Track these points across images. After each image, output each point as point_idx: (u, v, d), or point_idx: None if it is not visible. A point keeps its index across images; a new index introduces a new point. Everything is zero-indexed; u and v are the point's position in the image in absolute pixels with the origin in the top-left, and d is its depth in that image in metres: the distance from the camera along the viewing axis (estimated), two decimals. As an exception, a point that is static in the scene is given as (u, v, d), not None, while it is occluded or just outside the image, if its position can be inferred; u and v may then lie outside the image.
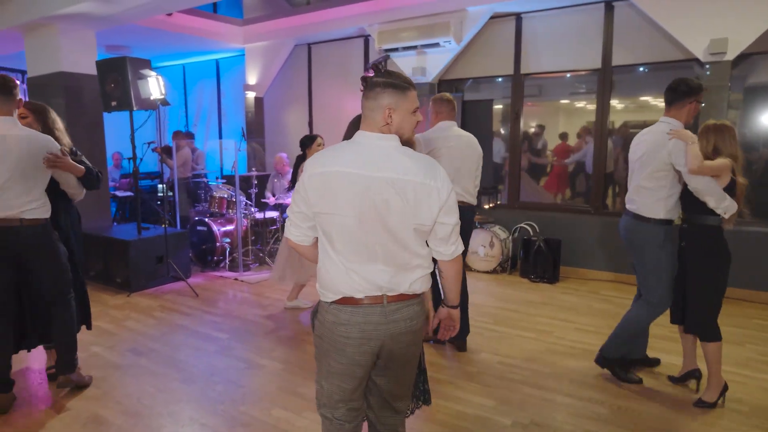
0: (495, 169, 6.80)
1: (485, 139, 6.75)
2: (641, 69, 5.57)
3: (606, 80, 5.66)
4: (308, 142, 4.66)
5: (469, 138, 3.94)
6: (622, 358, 3.39)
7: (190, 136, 7.79)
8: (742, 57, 4.94)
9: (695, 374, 3.26)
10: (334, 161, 1.68)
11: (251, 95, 7.98)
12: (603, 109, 5.74)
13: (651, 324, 3.34)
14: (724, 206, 2.87)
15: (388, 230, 1.67)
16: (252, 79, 7.91)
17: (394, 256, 1.71)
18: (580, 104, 7.02)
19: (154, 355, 3.77)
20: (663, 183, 3.06)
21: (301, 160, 4.71)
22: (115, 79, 4.88)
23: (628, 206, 3.27)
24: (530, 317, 4.59)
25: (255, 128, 8.14)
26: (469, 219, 3.87)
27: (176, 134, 7.33)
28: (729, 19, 4.64)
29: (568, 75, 6.06)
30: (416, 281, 1.75)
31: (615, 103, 6.80)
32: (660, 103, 5.63)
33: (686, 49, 4.93)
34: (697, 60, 4.94)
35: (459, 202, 3.74)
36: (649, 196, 3.12)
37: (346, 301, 1.74)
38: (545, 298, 5.18)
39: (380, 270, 1.71)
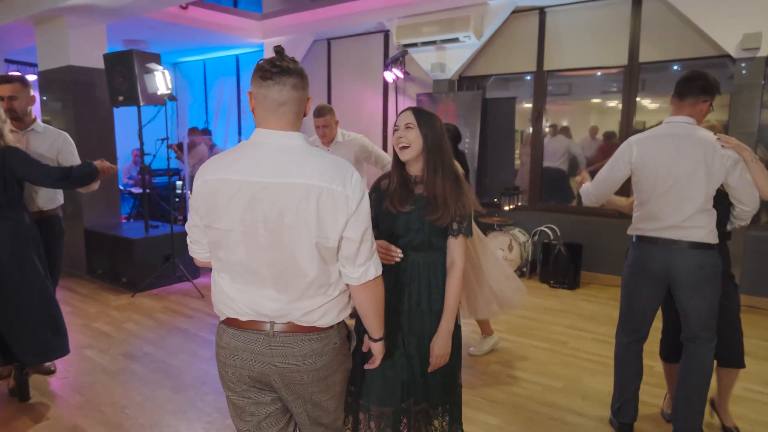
0: (517, 170, 6.57)
1: (507, 137, 6.54)
2: (675, 67, 5.25)
3: (633, 77, 5.37)
4: None
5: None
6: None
7: (206, 132, 7.74)
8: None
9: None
10: (226, 167, 1.41)
11: (269, 91, 7.88)
12: (629, 107, 5.45)
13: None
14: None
15: (281, 248, 1.39)
16: (269, 75, 7.81)
17: (286, 281, 1.42)
18: (612, 103, 6.73)
19: (148, 360, 3.68)
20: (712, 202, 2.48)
21: None
22: (122, 73, 4.82)
23: (681, 236, 2.47)
24: (546, 326, 4.36)
25: (272, 125, 8.04)
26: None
27: (192, 131, 7.29)
28: (763, 12, 4.32)
29: (599, 73, 5.77)
30: (314, 311, 1.45)
31: (647, 102, 6.50)
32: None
33: (717, 44, 4.62)
34: (729, 56, 4.62)
35: None
36: (711, 220, 2.47)
37: (231, 322, 1.50)
38: (564, 305, 4.94)
39: (268, 296, 1.44)
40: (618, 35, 5.39)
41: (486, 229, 5.93)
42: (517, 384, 3.31)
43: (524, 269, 5.84)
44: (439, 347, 1.91)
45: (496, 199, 6.40)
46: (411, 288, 1.94)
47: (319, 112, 3.83)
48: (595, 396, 3.16)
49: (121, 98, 4.96)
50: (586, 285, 5.55)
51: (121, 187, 8.19)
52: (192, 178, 6.85)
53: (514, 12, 5.86)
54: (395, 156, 1.95)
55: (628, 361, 2.86)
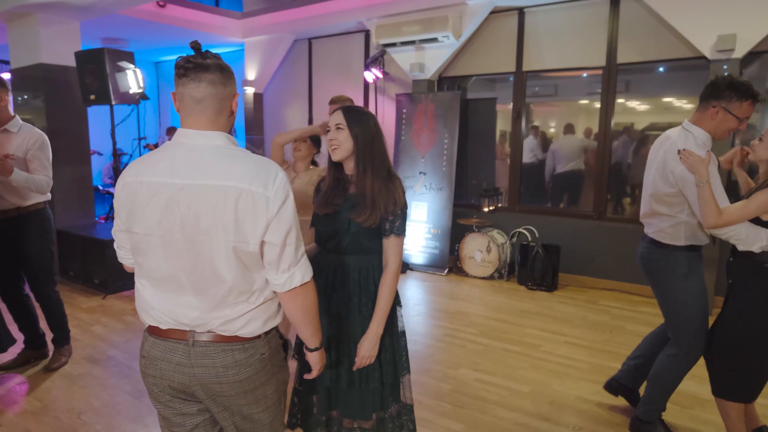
0: (497, 170, 6.54)
1: (488, 138, 6.51)
2: (660, 69, 5.24)
3: (611, 78, 5.35)
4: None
5: None
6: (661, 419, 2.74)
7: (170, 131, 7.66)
8: (753, 55, 4.60)
9: None
10: (146, 169, 1.36)
11: (250, 91, 7.83)
12: (607, 109, 5.44)
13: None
14: (760, 245, 2.22)
15: (198, 253, 1.33)
16: (251, 74, 7.75)
17: (205, 287, 1.36)
18: (598, 104, 6.72)
19: (111, 364, 3.60)
20: (679, 208, 2.46)
21: None
22: (94, 71, 4.75)
23: (645, 229, 2.67)
24: (520, 329, 4.33)
25: (254, 125, 7.98)
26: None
27: (170, 130, 7.21)
28: (737, 14, 4.32)
29: (585, 74, 5.74)
30: (236, 320, 1.38)
31: (636, 104, 6.49)
32: (682, 105, 5.33)
33: (693, 46, 4.61)
34: (705, 58, 4.61)
35: None
36: (666, 220, 2.51)
37: (152, 330, 1.44)
38: (540, 307, 4.92)
39: (188, 304, 1.37)
40: (596, 36, 5.37)
41: (465, 230, 5.91)
42: (485, 388, 3.28)
43: (503, 271, 5.82)
44: (366, 348, 1.84)
45: (473, 201, 6.38)
46: (341, 292, 1.89)
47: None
48: (562, 401, 3.13)
49: (92, 97, 4.88)
50: (564, 287, 5.53)
51: (101, 187, 8.10)
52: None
53: (492, 12, 5.83)
54: (329, 156, 1.92)
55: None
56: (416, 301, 5.18)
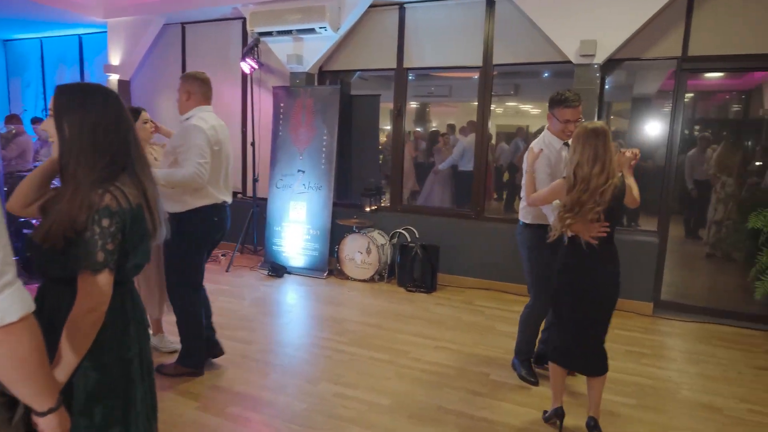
0: (380, 169, 6.40)
1: (372, 136, 6.34)
2: (545, 74, 5.33)
3: (487, 79, 5.36)
4: (134, 119, 3.83)
5: (225, 125, 3.38)
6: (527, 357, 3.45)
7: (35, 121, 6.76)
8: (614, 62, 4.80)
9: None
10: None
11: (114, 78, 7.07)
12: (484, 109, 5.45)
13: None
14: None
15: None
16: (115, 59, 7.00)
17: None
18: (491, 106, 6.82)
19: None
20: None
21: None
22: None
23: None
24: (391, 334, 4.18)
25: (120, 115, 7.21)
26: (225, 220, 3.34)
27: (9, 118, 6.30)
28: (598, 20, 4.47)
29: (475, 77, 5.70)
30: None
31: (529, 107, 6.64)
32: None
33: (561, 50, 4.71)
34: (571, 62, 4.72)
35: (226, 203, 3.24)
36: (522, 202, 3.25)
37: None
38: (417, 309, 4.80)
39: None
40: (473, 36, 5.36)
41: (344, 231, 5.69)
42: (343, 404, 3.05)
43: (383, 273, 5.67)
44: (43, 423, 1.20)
45: (355, 200, 6.18)
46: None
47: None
48: (422, 413, 2.98)
49: None
50: (443, 288, 5.49)
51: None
52: (9, 174, 5.91)
53: (373, 6, 5.65)
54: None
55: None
56: (289, 307, 4.87)
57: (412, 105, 8.83)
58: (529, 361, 3.45)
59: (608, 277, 2.68)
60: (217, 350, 3.47)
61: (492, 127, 7.42)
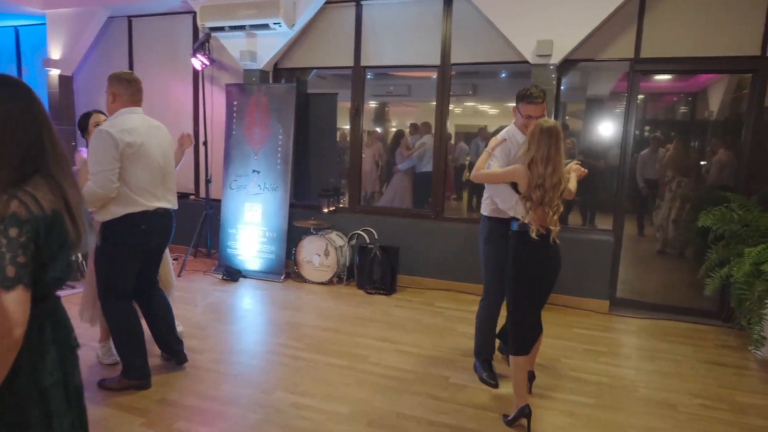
0: (339, 169, 6.27)
1: (329, 134, 6.21)
2: (503, 74, 5.32)
3: (445, 78, 5.32)
4: (84, 123, 3.55)
5: (162, 127, 3.23)
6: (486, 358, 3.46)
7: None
8: (570, 63, 4.84)
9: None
10: None
11: (55, 73, 6.68)
12: (442, 108, 5.40)
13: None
14: (510, 207, 2.91)
15: None
16: (56, 53, 6.61)
17: None
18: (449, 106, 6.78)
19: None
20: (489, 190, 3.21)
21: None
22: None
23: None
24: (350, 338, 4.07)
25: (62, 113, 6.83)
26: (168, 228, 3.22)
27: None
28: (554, 20, 4.50)
29: (434, 76, 5.63)
30: None
31: (487, 107, 6.63)
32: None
33: (518, 49, 4.71)
34: (528, 62, 4.73)
35: (162, 210, 3.06)
36: (484, 194, 3.29)
37: None
38: (376, 312, 4.71)
39: None
40: (431, 34, 5.31)
41: (302, 233, 5.54)
42: (299, 414, 2.92)
43: (342, 275, 5.55)
44: None
45: (313, 201, 6.04)
46: None
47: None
48: (381, 421, 2.89)
49: None
50: (403, 289, 5.41)
51: None
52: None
53: (329, 2, 5.53)
54: None
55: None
56: (244, 313, 4.69)
57: (371, 104, 8.77)
58: (490, 363, 3.44)
59: (556, 263, 2.88)
60: (180, 359, 3.38)
61: (451, 127, 7.44)
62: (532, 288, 2.85)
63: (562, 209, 2.74)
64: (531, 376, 3.17)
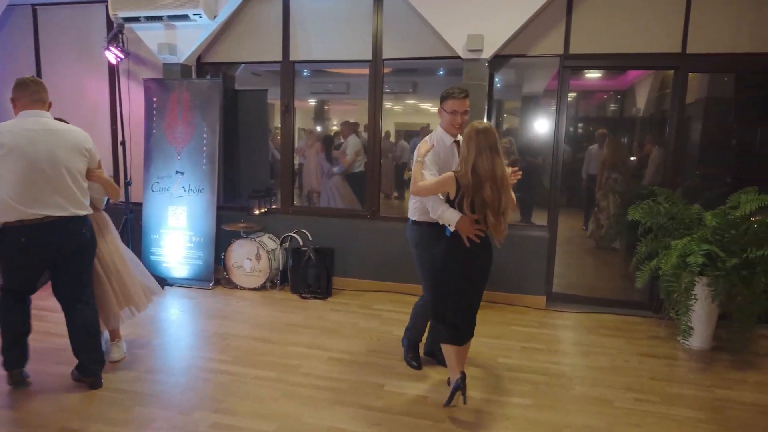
0: (271, 169, 6.00)
1: (260, 133, 5.92)
2: (440, 72, 5.21)
3: (378, 74, 5.17)
4: None
5: (63, 132, 2.97)
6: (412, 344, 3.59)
7: None
8: (502, 59, 4.80)
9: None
10: None
11: (-52, 66, 6.03)
12: (375, 104, 5.24)
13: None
14: (438, 216, 2.89)
15: None
16: (-51, 45, 5.97)
17: None
18: (388, 104, 6.61)
19: None
20: None
21: None
22: None
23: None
24: (281, 348, 3.83)
25: (-42, 111, 6.17)
26: (65, 237, 2.97)
27: None
28: (486, 14, 4.42)
29: (367, 74, 5.44)
30: None
31: (428, 106, 6.52)
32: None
33: (449, 44, 4.62)
34: (460, 57, 4.65)
35: (54, 217, 2.82)
36: (412, 199, 3.22)
37: None
38: (310, 318, 4.49)
39: None
40: (362, 29, 5.14)
41: (231, 236, 5.24)
42: (219, 436, 2.68)
43: (275, 280, 5.29)
44: None
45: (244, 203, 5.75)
46: None
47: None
48: (308, 437, 2.69)
49: None
50: (339, 292, 5.22)
51: None
52: None
53: (255, -7, 5.25)
54: None
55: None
56: (166, 325, 4.35)
57: (311, 102, 8.52)
58: (417, 346, 3.60)
59: (486, 261, 2.92)
60: (94, 383, 3.16)
61: (392, 125, 7.32)
62: (462, 287, 2.88)
63: (509, 215, 2.77)
64: (462, 384, 2.89)
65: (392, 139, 7.22)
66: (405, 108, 7.56)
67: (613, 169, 5.06)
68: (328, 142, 6.42)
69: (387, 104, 6.25)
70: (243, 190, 5.95)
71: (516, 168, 2.94)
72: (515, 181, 2.90)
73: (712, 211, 3.90)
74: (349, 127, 6.04)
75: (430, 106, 6.00)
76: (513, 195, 2.84)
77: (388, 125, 6.95)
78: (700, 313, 3.87)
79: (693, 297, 3.76)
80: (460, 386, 2.84)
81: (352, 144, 6.01)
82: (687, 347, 4.00)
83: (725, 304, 3.81)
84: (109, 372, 3.32)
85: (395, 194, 7.41)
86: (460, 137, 2.99)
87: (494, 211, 2.69)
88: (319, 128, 7.33)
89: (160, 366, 3.51)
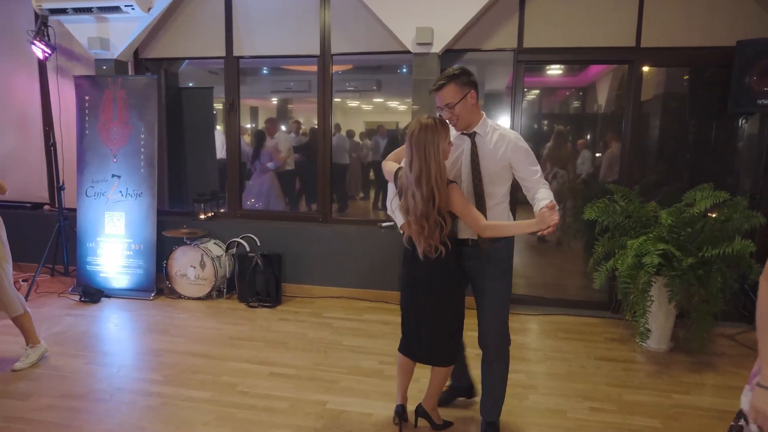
0: (219, 172, 5.69)
1: (205, 133, 5.62)
2: (403, 69, 4.99)
3: (326, 69, 4.92)
4: None
5: None
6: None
7: None
8: (453, 53, 4.61)
9: None
10: None
11: None
12: (324, 102, 4.99)
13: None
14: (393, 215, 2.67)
15: None
16: None
17: None
18: (354, 103, 6.38)
19: None
20: None
21: None
22: None
23: None
24: (220, 364, 3.56)
25: None
26: None
27: None
28: (435, 7, 4.23)
29: (339, 71, 5.18)
30: None
31: (396, 104, 6.30)
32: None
33: (398, 38, 4.41)
34: (409, 52, 4.44)
35: None
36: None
37: None
38: (256, 329, 4.22)
39: None
40: (309, 23, 4.88)
41: (174, 243, 4.92)
42: (135, 471, 2.41)
43: (221, 288, 4.99)
44: None
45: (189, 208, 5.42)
46: None
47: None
48: (237, 468, 2.44)
49: None
50: (290, 300, 4.96)
51: None
52: None
53: (193, -16, 4.94)
54: None
55: None
56: (96, 342, 4.00)
57: (273, 101, 8.22)
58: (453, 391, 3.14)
59: (420, 280, 2.53)
60: None
61: (360, 124, 7.09)
62: (409, 298, 2.61)
63: (440, 228, 2.32)
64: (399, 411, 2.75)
65: (357, 138, 7.01)
66: (375, 107, 7.35)
67: (561, 165, 4.94)
68: (260, 138, 6.13)
69: (354, 103, 6.04)
70: (189, 194, 5.63)
71: (552, 203, 2.23)
72: (553, 227, 2.18)
73: (668, 209, 3.79)
74: (273, 125, 5.84)
75: (398, 104, 5.80)
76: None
77: (357, 125, 6.72)
78: (658, 314, 3.76)
79: (650, 298, 3.63)
80: (398, 413, 2.72)
81: (283, 140, 5.82)
82: (645, 349, 3.89)
83: (682, 305, 3.70)
84: (19, 400, 2.99)
85: (361, 194, 7.19)
86: (459, 133, 2.61)
87: (415, 218, 2.34)
88: (283, 127, 7.05)
89: (81, 391, 3.18)
